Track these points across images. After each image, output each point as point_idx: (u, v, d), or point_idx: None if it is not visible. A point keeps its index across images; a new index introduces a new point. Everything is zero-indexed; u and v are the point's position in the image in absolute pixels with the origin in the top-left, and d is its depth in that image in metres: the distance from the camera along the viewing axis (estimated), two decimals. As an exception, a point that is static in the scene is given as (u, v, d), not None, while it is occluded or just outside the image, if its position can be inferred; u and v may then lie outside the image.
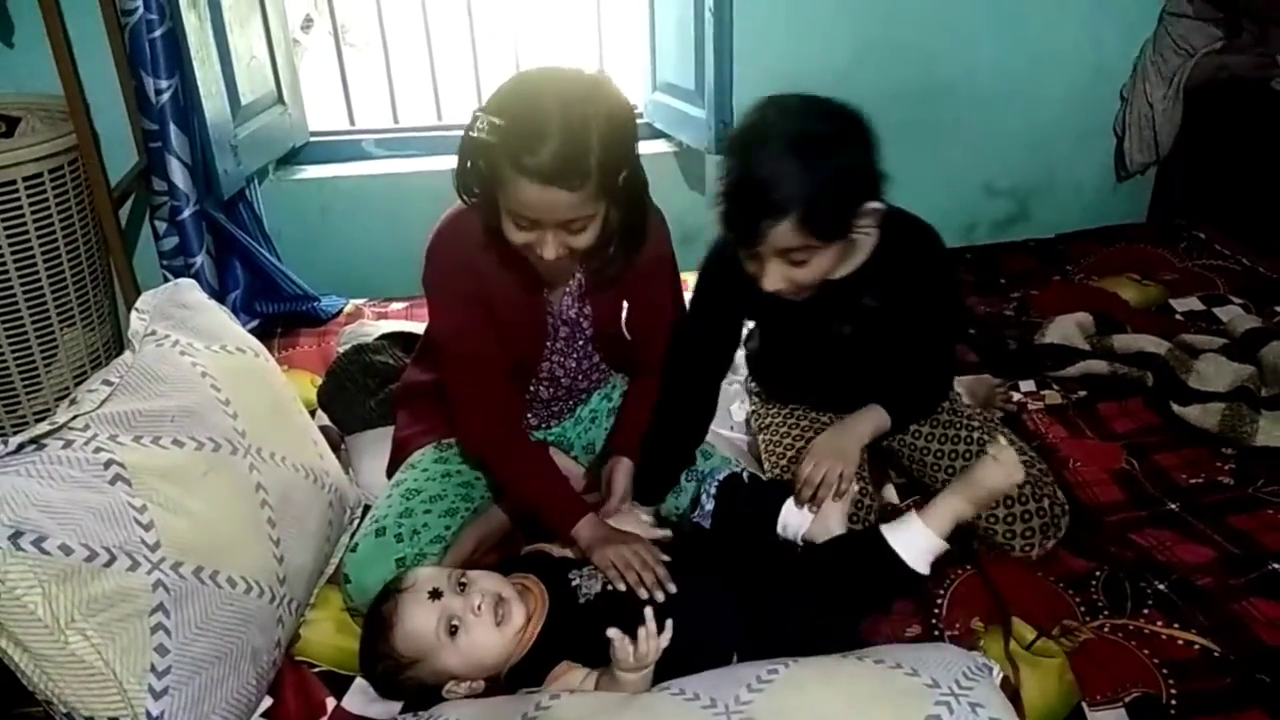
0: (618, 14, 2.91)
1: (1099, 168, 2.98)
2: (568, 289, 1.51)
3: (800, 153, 1.22)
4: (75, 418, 1.17)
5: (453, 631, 1.22)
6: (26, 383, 2.09)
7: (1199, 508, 1.62)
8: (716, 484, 1.41)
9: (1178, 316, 2.27)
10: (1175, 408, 1.86)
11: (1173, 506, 1.63)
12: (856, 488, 1.47)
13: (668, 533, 1.45)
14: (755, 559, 1.34)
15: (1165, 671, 1.29)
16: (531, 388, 1.60)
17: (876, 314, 1.46)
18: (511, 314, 1.48)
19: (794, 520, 1.42)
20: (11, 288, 1.99)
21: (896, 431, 1.56)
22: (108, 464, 1.13)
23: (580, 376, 1.62)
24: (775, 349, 1.69)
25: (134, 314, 1.40)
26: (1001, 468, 1.32)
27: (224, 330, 1.49)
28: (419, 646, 1.22)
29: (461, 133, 1.28)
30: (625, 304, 1.52)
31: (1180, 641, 1.34)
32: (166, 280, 2.20)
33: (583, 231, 1.29)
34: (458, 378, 1.50)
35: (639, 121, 2.74)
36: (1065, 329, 2.13)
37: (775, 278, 1.30)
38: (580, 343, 1.57)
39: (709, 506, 1.39)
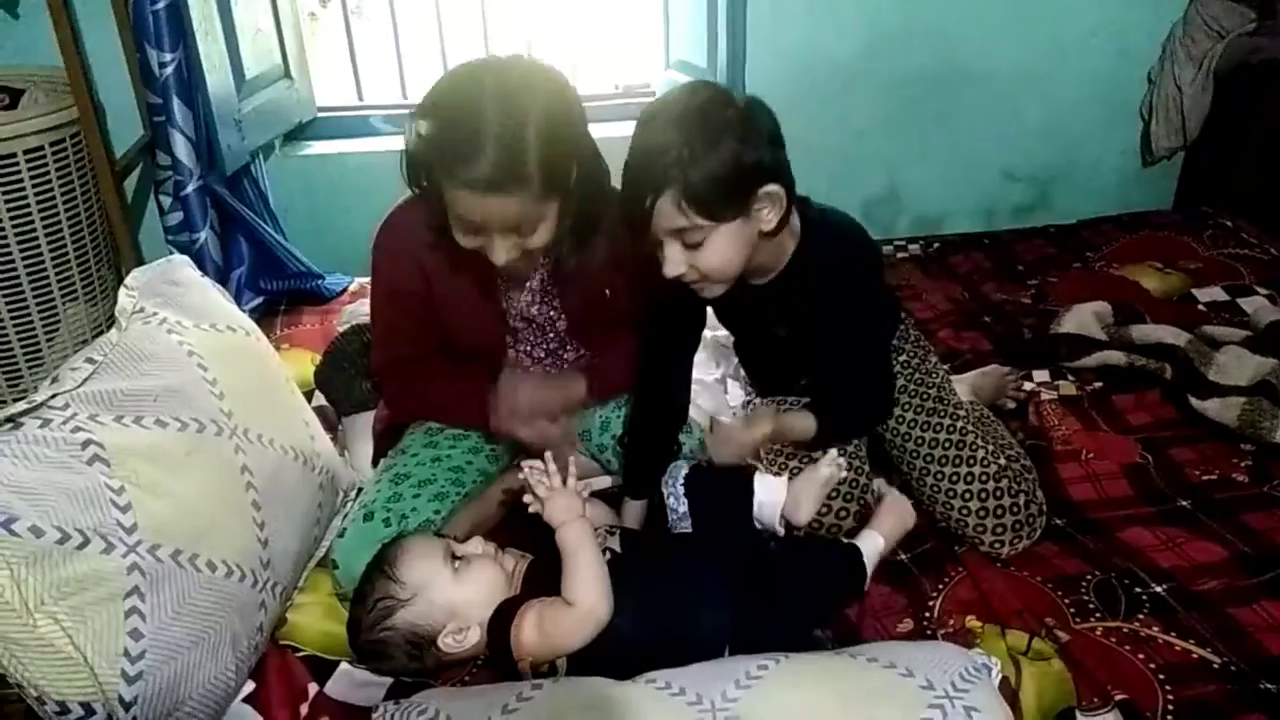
0: (632, -11, 2.86)
1: (1124, 153, 2.89)
2: (529, 286, 1.47)
3: (683, 127, 1.18)
4: (54, 396, 1.15)
5: (457, 567, 1.25)
6: (28, 356, 2.08)
7: (1212, 505, 1.57)
8: (681, 483, 1.37)
9: (1200, 307, 2.21)
10: (1193, 401, 1.81)
11: (1184, 503, 1.58)
12: (844, 473, 1.45)
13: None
14: (742, 548, 1.30)
15: (1162, 677, 1.24)
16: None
17: (808, 316, 1.44)
18: (461, 314, 1.45)
19: (766, 500, 1.39)
20: (13, 261, 1.98)
21: (816, 445, 1.51)
22: (85, 444, 1.11)
23: (555, 363, 1.59)
24: (735, 339, 1.68)
25: (123, 291, 1.38)
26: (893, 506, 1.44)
27: (215, 308, 1.46)
28: (422, 577, 1.23)
29: None
30: (607, 291, 1.49)
31: (1178, 646, 1.29)
32: (172, 255, 2.21)
33: (533, 233, 1.26)
34: (387, 375, 1.55)
35: (651, 100, 2.76)
36: (1082, 318, 2.07)
37: (674, 262, 1.25)
38: (550, 335, 1.54)
39: (682, 508, 1.35)
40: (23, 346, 2.06)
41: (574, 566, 1.18)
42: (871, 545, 1.39)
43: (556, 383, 1.52)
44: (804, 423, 1.50)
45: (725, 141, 1.18)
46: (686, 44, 2.57)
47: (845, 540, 1.40)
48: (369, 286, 1.51)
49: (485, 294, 1.46)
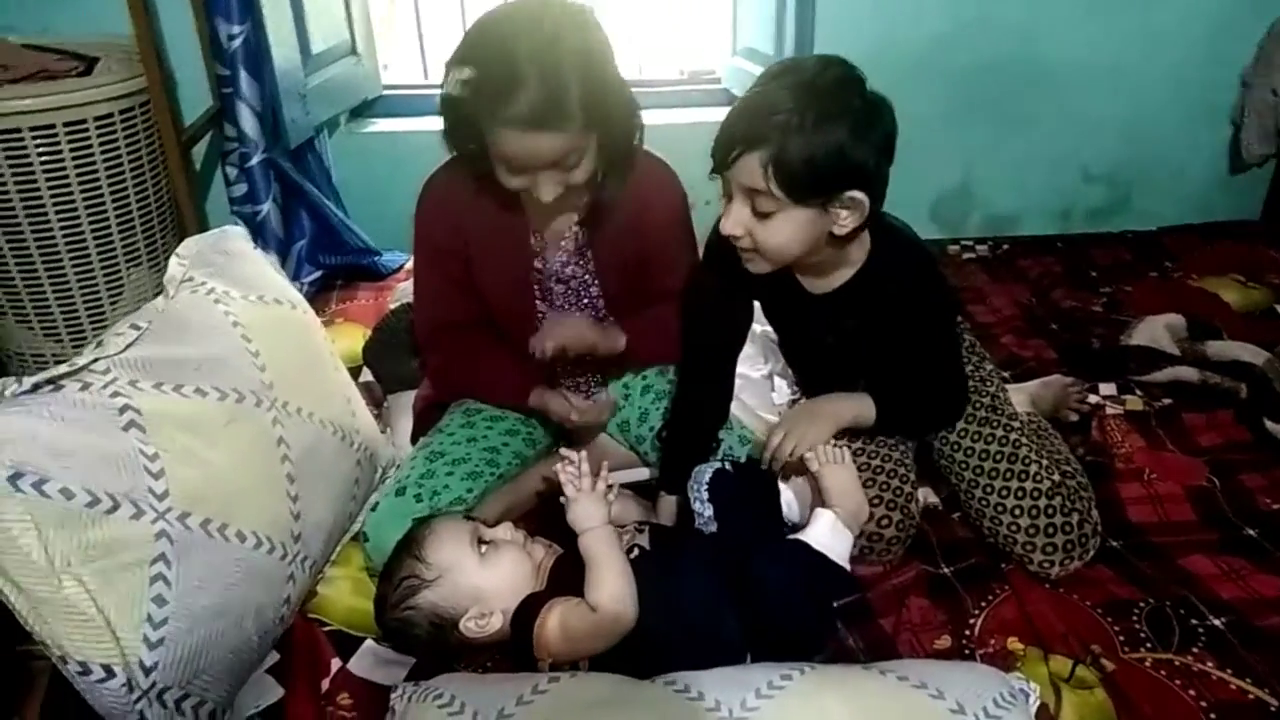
0: (703, -26, 2.81)
1: (1211, 157, 2.75)
2: (563, 245, 1.48)
3: (803, 96, 1.15)
4: (96, 360, 1.16)
5: (484, 552, 1.24)
6: (92, 319, 2.13)
7: (1280, 536, 1.49)
8: (706, 486, 1.33)
9: (1284, 324, 2.10)
10: (1269, 425, 1.72)
11: (1251, 532, 1.50)
12: (845, 453, 1.39)
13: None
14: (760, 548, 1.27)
15: (1213, 717, 1.17)
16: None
17: (862, 333, 1.41)
18: (496, 274, 1.48)
19: (787, 497, 1.36)
20: (80, 225, 2.03)
21: (879, 433, 1.48)
22: (123, 409, 1.12)
23: None
24: (781, 339, 1.64)
25: (174, 259, 1.40)
26: (832, 465, 1.33)
27: (264, 280, 1.47)
28: (448, 559, 1.22)
29: None
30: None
31: (1233, 685, 1.22)
32: (226, 226, 2.24)
33: (577, 166, 1.28)
34: (429, 343, 1.57)
35: (717, 87, 2.72)
36: (1154, 330, 1.98)
37: (736, 221, 1.22)
38: (584, 301, 1.54)
39: (707, 511, 1.32)
40: (87, 309, 2.12)
41: (596, 574, 1.16)
42: (822, 527, 1.29)
43: (599, 327, 1.51)
44: (856, 406, 1.46)
45: (838, 128, 1.14)
46: (754, 30, 2.51)
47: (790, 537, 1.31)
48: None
49: (520, 254, 1.48)
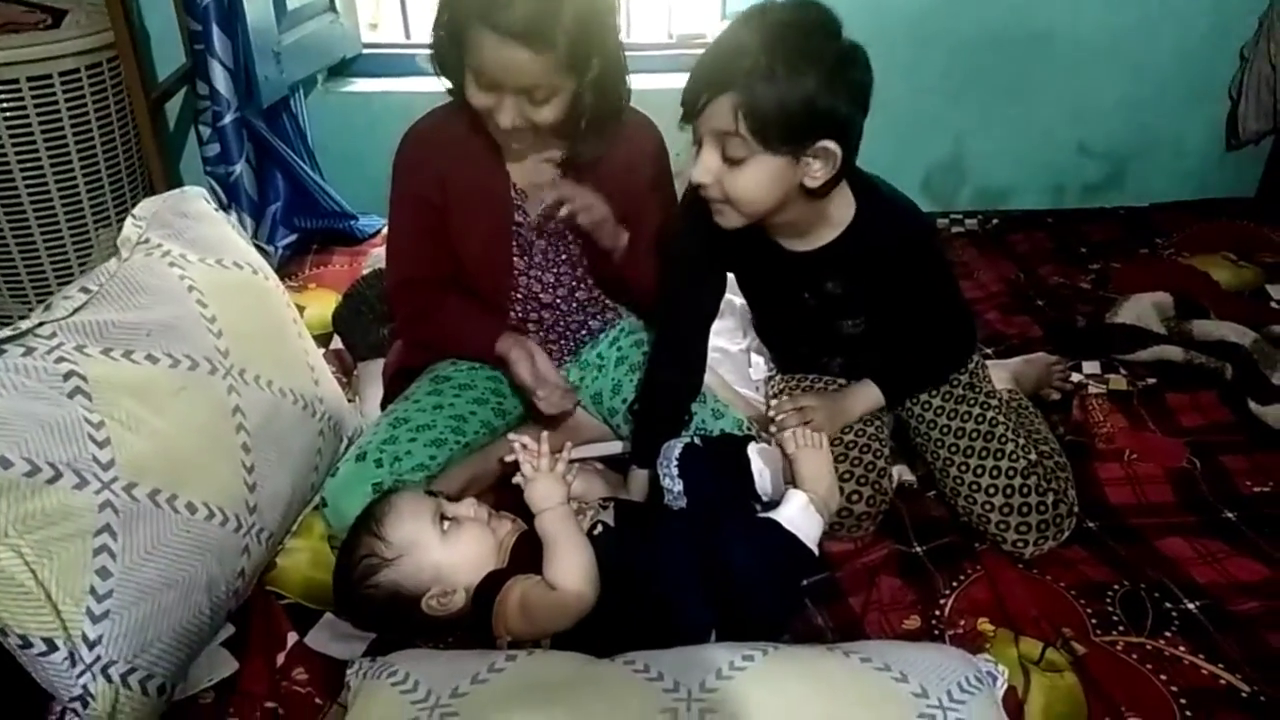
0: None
1: (1207, 133, 2.70)
2: (543, 199, 1.45)
3: (776, 39, 1.11)
4: (41, 325, 1.13)
5: (446, 528, 1.21)
6: (61, 281, 2.09)
7: (1259, 519, 1.46)
8: (675, 462, 1.31)
9: (1272, 304, 2.07)
10: (1253, 406, 1.69)
11: (1230, 515, 1.48)
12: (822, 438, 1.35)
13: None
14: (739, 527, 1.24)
15: (1183, 702, 1.16)
16: (517, 312, 1.56)
17: (839, 294, 1.39)
18: (476, 225, 1.46)
19: (765, 469, 1.33)
20: (46, 183, 1.98)
21: (892, 407, 1.48)
22: (68, 375, 1.09)
23: (568, 298, 1.57)
24: (756, 310, 1.62)
25: (129, 220, 1.35)
26: (807, 448, 1.28)
27: (224, 244, 1.43)
28: (409, 536, 1.19)
29: None
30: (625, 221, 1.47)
31: (1205, 671, 1.20)
32: (212, 188, 2.19)
33: (544, 104, 1.27)
34: (398, 297, 1.55)
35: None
36: (1140, 309, 1.94)
37: (706, 169, 1.19)
38: (564, 258, 1.52)
39: (677, 487, 1.29)
40: (55, 269, 2.07)
41: (553, 554, 1.13)
42: (794, 508, 1.24)
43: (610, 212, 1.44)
44: (866, 399, 1.46)
45: (809, 74, 1.10)
46: (745, -6, 2.45)
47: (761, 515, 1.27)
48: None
49: (500, 204, 1.47)
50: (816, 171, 1.18)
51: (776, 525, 1.23)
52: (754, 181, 1.18)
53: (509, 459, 1.23)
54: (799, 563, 1.21)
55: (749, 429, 1.51)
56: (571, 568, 1.11)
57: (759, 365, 1.78)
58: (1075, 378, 1.82)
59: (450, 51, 1.31)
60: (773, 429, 1.37)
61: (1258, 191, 2.74)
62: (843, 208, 1.31)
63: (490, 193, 1.47)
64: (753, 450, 1.35)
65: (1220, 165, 2.74)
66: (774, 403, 1.37)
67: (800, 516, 1.23)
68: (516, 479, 1.22)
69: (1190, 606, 1.30)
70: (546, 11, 1.19)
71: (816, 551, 1.23)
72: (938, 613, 1.30)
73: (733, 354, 1.78)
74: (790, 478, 1.30)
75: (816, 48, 1.11)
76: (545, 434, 1.24)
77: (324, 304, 2.02)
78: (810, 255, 1.34)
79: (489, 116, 1.30)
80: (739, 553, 1.18)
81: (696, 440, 1.35)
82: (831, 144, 1.15)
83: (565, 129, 1.35)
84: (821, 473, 1.28)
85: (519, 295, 1.55)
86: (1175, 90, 2.62)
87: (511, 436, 1.25)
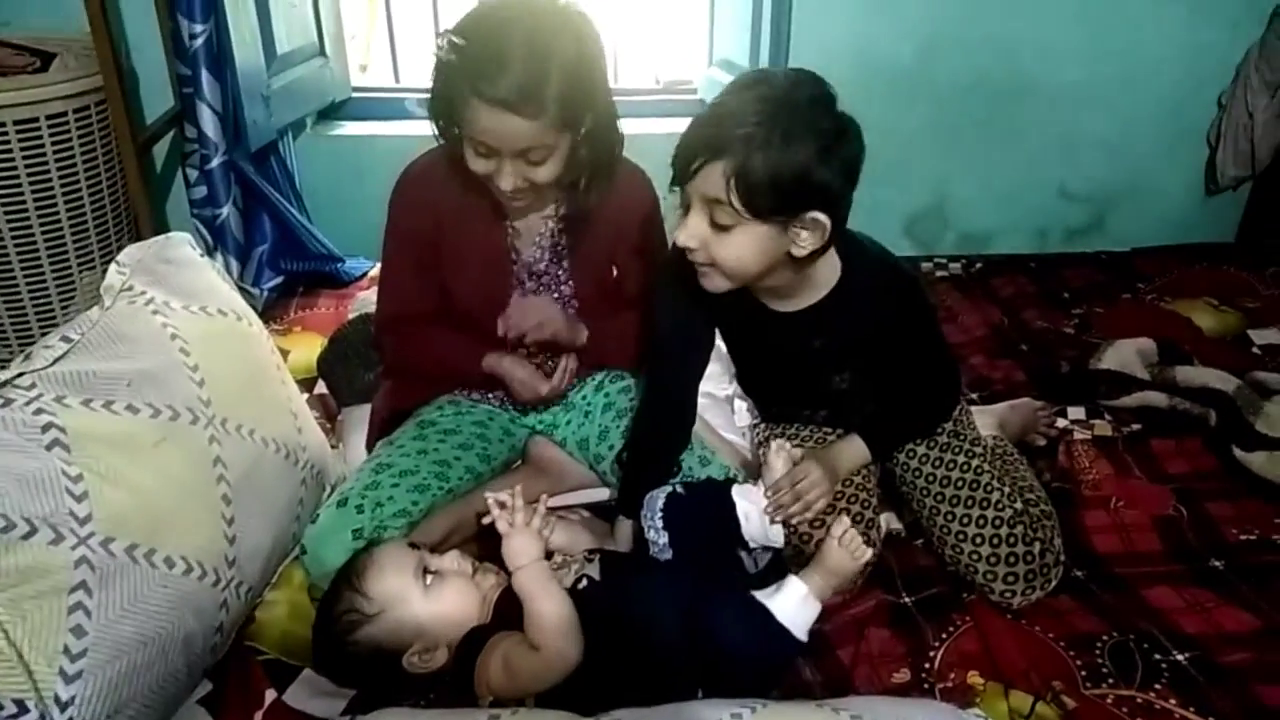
0: (680, -18, 2.78)
1: (1187, 179, 2.74)
2: (537, 240, 1.49)
3: (772, 110, 1.11)
4: (21, 375, 1.11)
5: (429, 584, 1.19)
6: (43, 325, 2.07)
7: (1246, 568, 1.46)
8: (660, 513, 1.29)
9: (1254, 349, 2.08)
10: (1237, 453, 1.69)
11: (1217, 564, 1.47)
12: (797, 452, 1.38)
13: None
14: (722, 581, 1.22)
15: (1176, 759, 1.15)
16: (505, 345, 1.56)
17: (826, 352, 1.39)
18: (469, 264, 1.49)
19: (751, 511, 1.31)
20: (30, 227, 1.97)
21: (879, 460, 1.48)
22: (46, 427, 1.07)
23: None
24: (740, 365, 1.62)
25: (113, 267, 1.34)
26: (844, 550, 1.20)
27: (209, 290, 1.42)
28: (391, 591, 1.18)
29: None
30: (615, 269, 1.52)
31: (1196, 726, 1.19)
32: (198, 230, 2.18)
33: (542, 164, 1.30)
34: (387, 330, 1.58)
35: (693, 98, 2.68)
36: (1123, 355, 1.95)
37: (692, 234, 1.18)
38: (554, 296, 1.54)
39: (662, 539, 1.27)
40: (37, 313, 2.06)
41: (533, 613, 1.11)
42: (790, 598, 1.18)
43: (564, 317, 1.52)
44: (854, 455, 1.44)
45: (804, 147, 1.11)
46: (731, 41, 2.48)
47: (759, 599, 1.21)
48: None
49: (495, 245, 1.50)
50: (804, 241, 1.18)
51: (769, 616, 1.17)
52: (741, 249, 1.18)
53: (485, 521, 1.21)
54: (786, 652, 1.18)
55: (735, 476, 1.50)
56: (552, 628, 1.09)
57: (743, 411, 1.78)
58: (1060, 423, 1.82)
59: (447, 122, 1.34)
60: (776, 517, 1.33)
61: (1236, 236, 2.78)
62: (829, 269, 1.31)
63: (485, 232, 1.49)
64: (737, 493, 1.33)
65: (1200, 210, 2.77)
66: (772, 495, 1.32)
67: (797, 609, 1.17)
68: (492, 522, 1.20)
69: (1180, 658, 1.29)
70: (535, 77, 1.21)
71: (806, 639, 1.18)
72: (927, 665, 1.29)
73: (718, 399, 1.77)
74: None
75: (812, 121, 1.12)
76: (518, 488, 1.23)
77: (309, 347, 2.01)
78: (797, 315, 1.34)
79: (490, 182, 1.33)
80: (727, 634, 1.15)
81: (679, 489, 1.34)
82: (821, 215, 1.15)
83: (563, 181, 1.38)
84: (845, 568, 1.21)
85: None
86: (1155, 136, 2.66)
87: (487, 494, 1.23)
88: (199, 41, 2.03)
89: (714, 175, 1.13)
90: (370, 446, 1.61)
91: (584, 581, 1.20)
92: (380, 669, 1.18)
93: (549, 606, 1.11)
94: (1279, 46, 2.46)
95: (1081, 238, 2.78)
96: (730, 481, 1.41)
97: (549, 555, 1.27)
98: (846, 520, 1.24)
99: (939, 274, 2.55)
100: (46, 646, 0.98)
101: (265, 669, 1.24)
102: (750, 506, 1.32)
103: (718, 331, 1.48)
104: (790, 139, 1.10)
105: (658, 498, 1.31)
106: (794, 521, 1.33)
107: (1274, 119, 2.51)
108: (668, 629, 1.16)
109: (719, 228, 1.17)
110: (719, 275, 1.22)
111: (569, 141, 1.31)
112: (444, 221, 1.47)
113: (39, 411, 1.08)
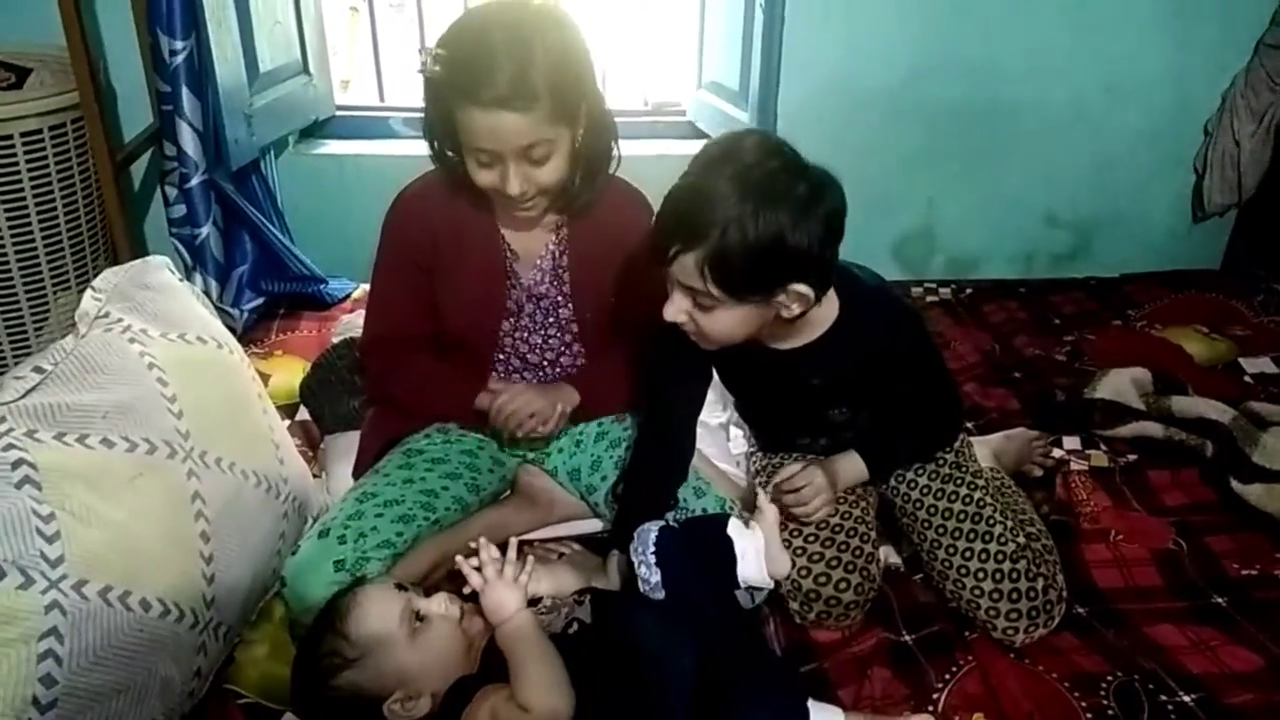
0: (669, 7, 2.76)
1: (1174, 206, 2.74)
2: (538, 262, 1.47)
3: (743, 193, 1.10)
4: (-10, 409, 1.06)
5: (415, 628, 1.14)
6: (15, 348, 2.01)
7: (1250, 605, 1.44)
8: (652, 550, 1.25)
9: (1246, 379, 2.08)
10: (1235, 485, 1.68)
11: (1220, 600, 1.45)
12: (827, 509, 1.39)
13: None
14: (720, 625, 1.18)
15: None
16: (500, 372, 1.55)
17: (824, 387, 1.39)
18: (465, 287, 1.46)
19: (748, 549, 1.28)
20: (4, 247, 1.91)
21: (879, 479, 1.48)
22: (16, 464, 1.02)
23: (555, 361, 1.55)
24: (738, 398, 1.60)
25: (88, 293, 1.30)
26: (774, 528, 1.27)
27: (187, 317, 1.37)
28: (375, 635, 1.12)
29: None
30: (613, 299, 1.50)
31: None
32: (177, 250, 2.13)
33: (545, 161, 1.28)
34: (373, 352, 1.55)
35: (682, 120, 2.66)
36: (1119, 385, 1.93)
37: (677, 310, 1.20)
38: (552, 320, 1.52)
39: (655, 578, 1.23)
40: (10, 335, 1.99)
41: (519, 671, 1.05)
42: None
43: (552, 391, 1.49)
44: (852, 469, 1.43)
45: (777, 222, 1.10)
46: (720, 64, 2.46)
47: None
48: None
49: (493, 267, 1.47)
50: (791, 307, 1.19)
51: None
52: (726, 323, 1.19)
53: (466, 590, 1.16)
54: None
55: (731, 508, 1.46)
56: (540, 687, 1.03)
57: (738, 439, 1.74)
58: (1056, 453, 1.80)
59: (445, 140, 1.34)
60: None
61: (1223, 263, 2.78)
62: (826, 307, 1.30)
63: (483, 253, 1.46)
64: (734, 530, 1.29)
65: (1187, 237, 2.78)
66: (766, 527, 1.31)
67: None
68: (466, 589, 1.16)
69: (1186, 699, 1.26)
70: (523, 66, 1.21)
71: None
72: (931, 708, 1.25)
73: (712, 428, 1.74)
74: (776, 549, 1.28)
75: (788, 189, 1.11)
76: (482, 539, 1.19)
77: (291, 372, 1.96)
78: (795, 352, 1.33)
79: (497, 193, 1.31)
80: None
81: (672, 523, 1.30)
82: (802, 287, 1.16)
83: (567, 184, 1.36)
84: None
85: (503, 355, 1.54)
86: (1141, 162, 2.66)
87: (458, 558, 1.18)
88: (179, 58, 1.98)
89: (689, 265, 1.13)
90: (357, 477, 1.56)
91: (574, 626, 1.16)
92: (360, 715, 1.12)
93: (536, 666, 1.05)
94: (1263, 75, 2.48)
95: (1068, 262, 2.78)
96: (726, 516, 1.37)
97: (535, 601, 1.23)
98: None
99: (929, 299, 2.53)
100: (14, 698, 0.93)
101: (244, 713, 1.19)
102: (747, 545, 1.29)
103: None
104: (763, 215, 1.10)
105: (650, 531, 1.26)
106: (792, 526, 1.34)
107: (1261, 147, 2.52)
108: (665, 673, 1.11)
109: (702, 307, 1.18)
110: (709, 343, 1.24)
111: (569, 138, 1.30)
112: (441, 240, 1.44)
113: (9, 447, 1.03)
